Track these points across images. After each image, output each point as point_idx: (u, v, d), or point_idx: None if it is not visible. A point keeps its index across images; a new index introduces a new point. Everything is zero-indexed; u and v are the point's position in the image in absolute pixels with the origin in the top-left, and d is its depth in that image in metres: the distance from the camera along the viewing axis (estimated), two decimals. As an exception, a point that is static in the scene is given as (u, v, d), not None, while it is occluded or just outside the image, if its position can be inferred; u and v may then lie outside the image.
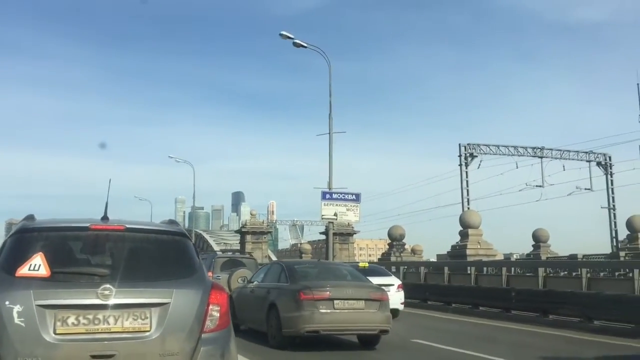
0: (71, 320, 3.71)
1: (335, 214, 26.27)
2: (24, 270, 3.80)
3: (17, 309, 3.61)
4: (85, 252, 4.20)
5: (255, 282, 11.32)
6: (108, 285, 3.78)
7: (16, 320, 3.59)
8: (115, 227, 4.21)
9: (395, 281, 16.73)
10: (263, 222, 65.76)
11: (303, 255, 47.96)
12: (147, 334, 3.81)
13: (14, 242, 4.05)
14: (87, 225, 4.20)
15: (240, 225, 65.61)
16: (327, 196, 26.18)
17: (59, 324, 3.68)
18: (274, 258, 71.25)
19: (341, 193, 29.26)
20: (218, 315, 4.04)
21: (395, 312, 13.56)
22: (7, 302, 3.61)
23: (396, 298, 15.24)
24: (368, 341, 10.12)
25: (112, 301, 3.77)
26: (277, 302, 9.77)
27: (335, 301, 9.46)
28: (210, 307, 4.02)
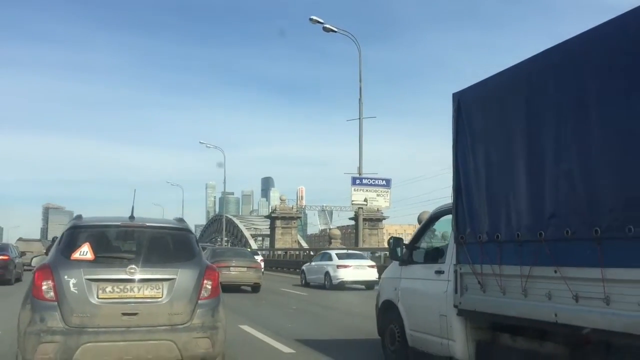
0: (108, 289, 5.26)
1: (366, 200, 25.93)
2: (76, 255, 5.36)
3: (72, 281, 5.17)
4: (117, 242, 5.93)
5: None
6: (133, 266, 5.35)
7: (72, 289, 5.15)
8: (139, 225, 5.84)
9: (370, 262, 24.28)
10: (293, 208, 65.05)
11: (332, 240, 47.51)
12: (160, 299, 5.35)
13: (68, 236, 5.63)
14: (119, 223, 5.90)
15: (270, 211, 65.42)
16: (357, 181, 25.73)
17: (100, 291, 5.22)
18: (303, 244, 70.92)
19: (371, 178, 28.67)
20: (210, 287, 5.58)
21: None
22: (65, 277, 5.17)
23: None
24: (254, 288, 20.03)
25: (136, 277, 5.33)
26: None
27: (231, 267, 19.52)
28: (205, 282, 5.55)
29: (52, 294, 5.12)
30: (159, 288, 5.36)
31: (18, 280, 22.04)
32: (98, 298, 5.18)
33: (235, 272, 19.78)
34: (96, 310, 5.13)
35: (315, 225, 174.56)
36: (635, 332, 3.79)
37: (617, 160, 3.99)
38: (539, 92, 4.74)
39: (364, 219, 48.49)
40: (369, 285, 21.99)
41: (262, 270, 22.17)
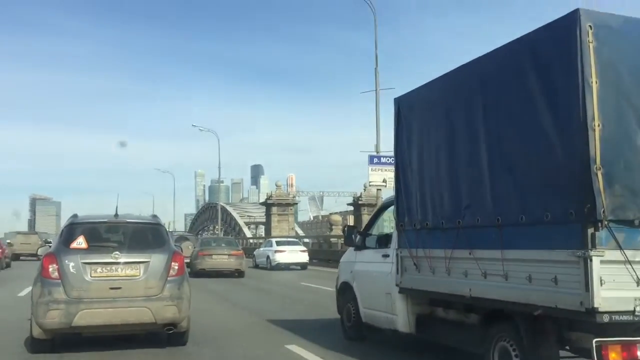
0: (99, 270, 6.78)
1: (385, 181, 22.69)
2: (73, 245, 6.91)
3: (71, 264, 6.70)
4: (105, 234, 7.44)
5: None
6: (117, 252, 6.87)
7: (71, 270, 6.68)
8: (121, 221, 7.51)
9: None
10: (289, 194, 63.59)
11: (333, 226, 46.39)
12: (138, 277, 6.87)
13: (67, 230, 7.23)
14: (106, 220, 7.55)
15: (266, 197, 60.67)
16: (375, 160, 23.04)
17: (92, 272, 6.75)
18: (299, 231, 67.74)
19: (391, 157, 26.32)
20: (177, 268, 7.06)
21: None
22: (66, 261, 6.71)
23: None
24: (238, 274, 21.86)
25: (120, 260, 6.84)
26: (192, 257, 22.22)
27: (213, 255, 21.85)
28: (172, 263, 7.04)
29: (56, 274, 6.65)
30: (137, 268, 6.88)
31: None
32: (91, 277, 6.71)
33: (217, 259, 21.73)
34: (90, 285, 6.66)
35: (304, 210, 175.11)
36: (523, 301, 4.65)
37: (512, 164, 4.86)
38: (455, 103, 5.63)
39: (369, 205, 46.83)
40: (302, 266, 27.53)
41: (244, 257, 23.53)
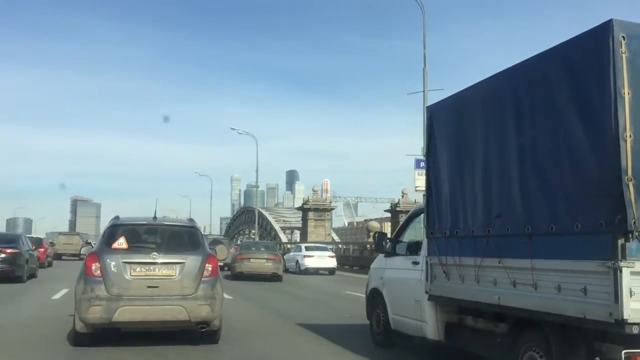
0: (138, 269, 7.14)
1: None
2: (115, 245, 7.29)
3: (113, 263, 7.07)
4: (144, 236, 7.81)
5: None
6: (155, 253, 7.24)
7: (112, 269, 7.05)
8: (159, 223, 7.99)
9: None
10: (326, 199, 62.89)
11: (371, 233, 45.95)
12: (174, 277, 7.19)
13: (109, 231, 7.60)
14: (145, 222, 7.92)
15: (303, 202, 59.78)
16: (422, 164, 21.87)
17: (132, 271, 7.12)
18: (335, 237, 65.36)
19: None
20: (211, 269, 7.38)
21: None
22: (108, 260, 7.09)
23: None
24: (275, 278, 22.03)
25: (158, 260, 7.19)
26: (231, 261, 23.68)
27: (252, 259, 22.34)
28: (206, 265, 7.35)
29: (99, 272, 7.03)
30: (174, 269, 7.21)
31: (32, 277, 18.89)
32: (130, 275, 7.08)
33: (255, 263, 22.10)
34: (129, 283, 7.04)
35: (339, 216, 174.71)
36: (552, 311, 4.64)
37: (543, 173, 4.85)
38: (487, 112, 5.64)
39: (407, 211, 45.86)
40: (330, 271, 28.45)
41: (282, 262, 24.07)
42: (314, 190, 59.92)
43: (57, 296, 13.14)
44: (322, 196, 65.18)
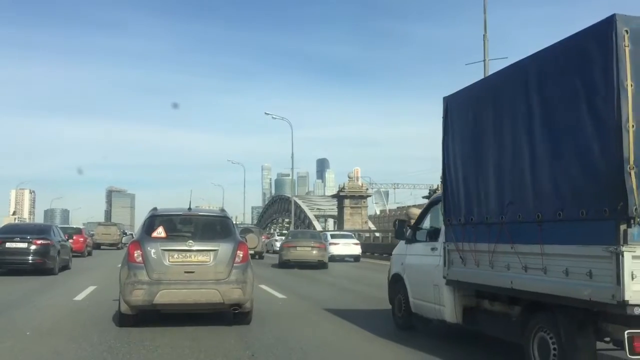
0: (175, 256, 7.75)
1: None
2: (154, 234, 7.90)
3: (153, 251, 7.70)
4: (180, 225, 8.44)
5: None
6: (191, 241, 7.86)
7: (153, 256, 7.67)
8: (194, 214, 8.58)
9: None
10: (362, 186, 59.72)
11: (411, 220, 44.61)
12: (208, 263, 7.79)
13: (149, 221, 8.23)
14: (181, 213, 8.55)
15: (338, 189, 57.99)
16: None
17: (170, 257, 7.73)
18: (371, 226, 62.38)
19: None
20: (242, 256, 7.96)
21: None
22: (148, 248, 7.73)
23: None
24: (320, 266, 22.69)
25: (193, 248, 7.79)
26: (279, 248, 25.42)
27: (297, 247, 23.03)
28: (238, 252, 7.93)
29: (140, 259, 7.67)
30: (208, 255, 7.80)
31: (65, 268, 18.13)
32: (169, 262, 7.69)
33: (301, 250, 22.99)
34: (168, 269, 7.65)
35: (372, 206, 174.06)
36: (561, 294, 4.87)
37: (552, 162, 5.05)
38: (500, 102, 5.84)
39: None
40: (356, 258, 29.55)
41: (326, 249, 24.84)
42: (349, 177, 58.24)
43: (79, 297, 11.30)
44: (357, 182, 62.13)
